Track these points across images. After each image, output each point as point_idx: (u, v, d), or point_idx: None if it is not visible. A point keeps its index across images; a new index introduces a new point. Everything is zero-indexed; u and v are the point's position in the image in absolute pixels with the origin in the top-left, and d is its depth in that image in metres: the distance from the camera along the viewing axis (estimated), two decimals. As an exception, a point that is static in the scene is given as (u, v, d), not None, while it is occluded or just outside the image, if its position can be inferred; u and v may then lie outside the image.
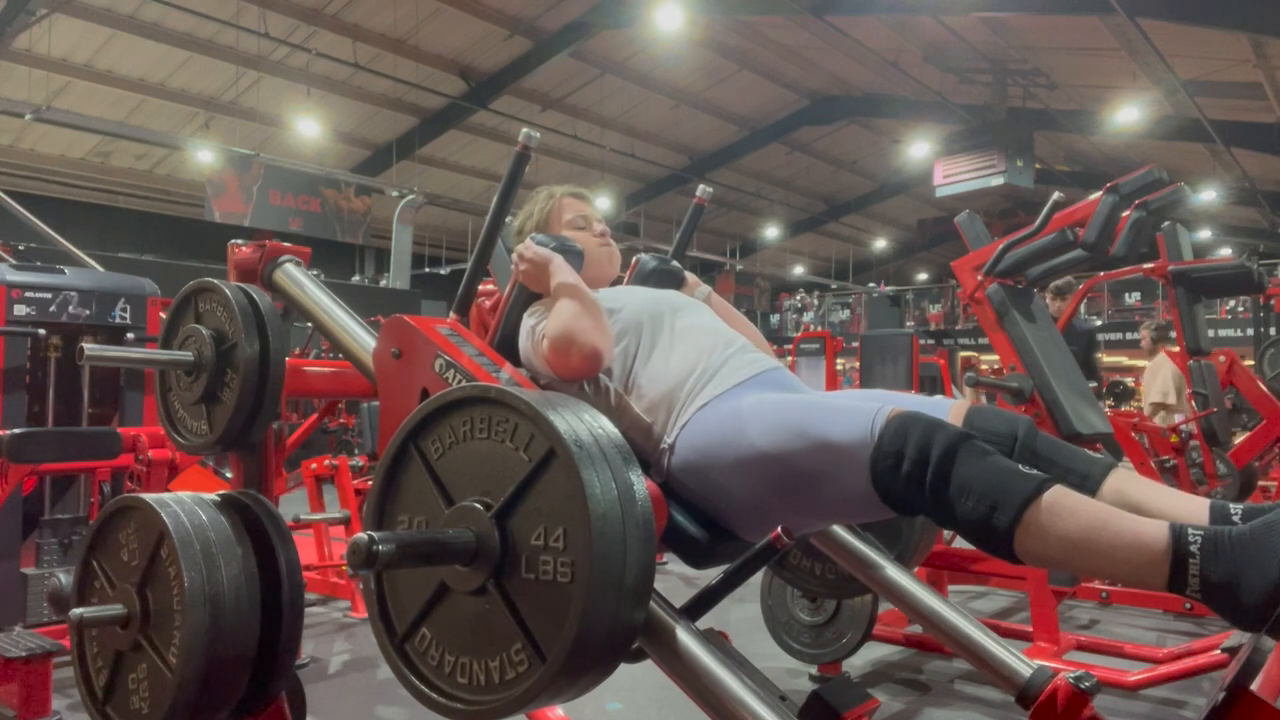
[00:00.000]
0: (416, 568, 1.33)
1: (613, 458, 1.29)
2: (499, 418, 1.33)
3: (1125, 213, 3.56)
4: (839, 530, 1.96)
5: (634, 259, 2.02)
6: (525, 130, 1.74)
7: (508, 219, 1.89)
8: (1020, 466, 1.26)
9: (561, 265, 1.68)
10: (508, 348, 1.75)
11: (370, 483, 5.20)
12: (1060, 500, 1.21)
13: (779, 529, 1.45)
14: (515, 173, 1.75)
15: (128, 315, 3.63)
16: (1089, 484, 1.40)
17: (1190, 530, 1.14)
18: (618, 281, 1.97)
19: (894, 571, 1.91)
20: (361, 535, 1.19)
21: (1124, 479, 1.41)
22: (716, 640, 1.42)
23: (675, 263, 2.04)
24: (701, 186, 2.26)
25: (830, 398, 1.50)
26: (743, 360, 1.62)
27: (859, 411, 1.36)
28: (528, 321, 1.70)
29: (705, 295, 1.95)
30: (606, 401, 1.61)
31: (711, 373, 1.58)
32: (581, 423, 1.31)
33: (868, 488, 1.32)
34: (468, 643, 1.31)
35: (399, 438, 1.43)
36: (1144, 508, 1.33)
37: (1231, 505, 1.28)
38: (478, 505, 1.31)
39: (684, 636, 1.36)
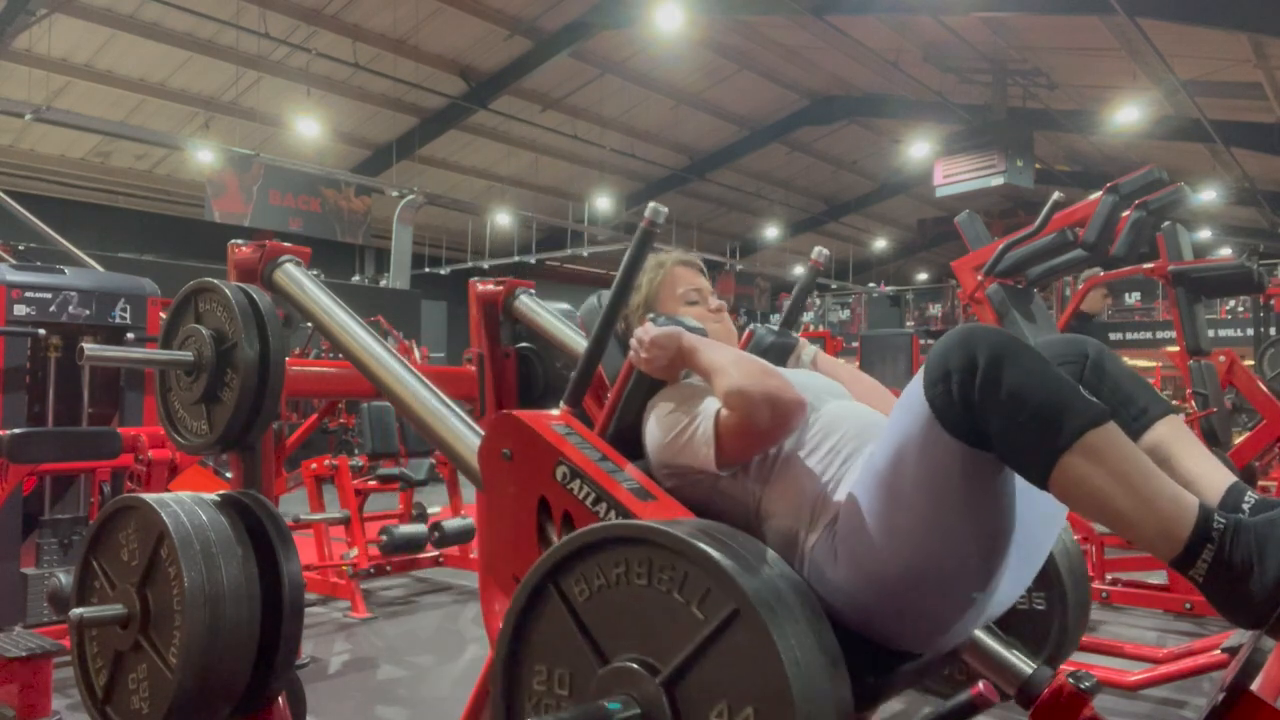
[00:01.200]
0: None
1: (801, 614, 1.10)
2: (663, 562, 1.13)
3: (1125, 213, 3.57)
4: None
5: (748, 330, 1.85)
6: (652, 205, 1.55)
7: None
8: (1081, 389, 1.17)
9: (700, 339, 1.49)
10: (620, 442, 1.56)
11: (370, 483, 5.17)
12: (1116, 438, 1.14)
13: (981, 685, 1.28)
14: (640, 251, 1.55)
15: (128, 315, 3.63)
16: (1143, 420, 1.39)
17: (1216, 516, 1.12)
18: None
19: None
20: None
21: (1173, 428, 1.39)
22: None
23: (793, 334, 1.86)
24: (817, 249, 2.03)
25: None
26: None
27: (913, 385, 1.25)
28: (666, 413, 1.50)
29: (812, 356, 1.80)
30: (745, 507, 1.43)
31: (850, 465, 1.39)
32: (764, 571, 1.13)
33: (946, 438, 1.18)
34: None
35: (536, 574, 1.24)
36: (1175, 464, 1.33)
37: (1248, 494, 1.27)
38: (639, 668, 1.12)
39: None
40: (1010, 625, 1.84)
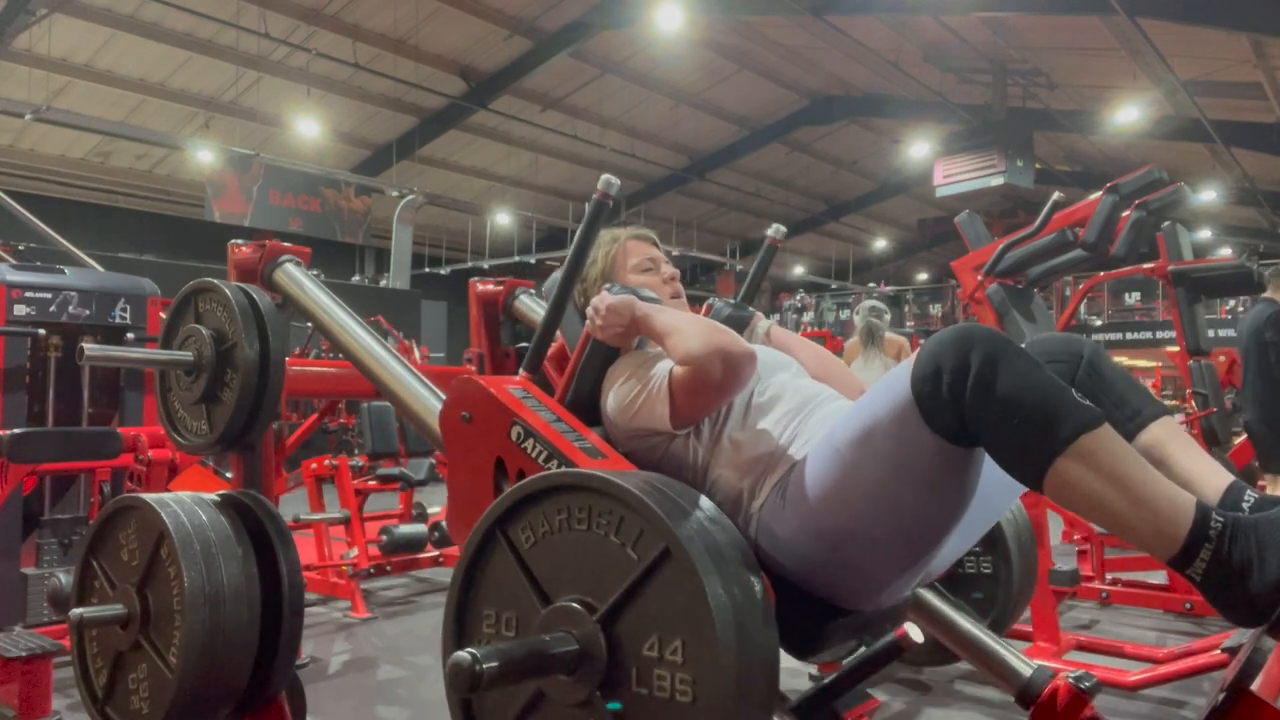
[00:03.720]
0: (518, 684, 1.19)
1: (731, 556, 1.16)
2: (601, 508, 1.20)
3: (1125, 213, 3.57)
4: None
5: (706, 304, 1.92)
6: (605, 177, 1.60)
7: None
8: (1074, 392, 1.17)
9: (652, 306, 1.56)
10: (579, 409, 1.61)
11: (370, 483, 5.17)
12: (1110, 441, 1.13)
13: (904, 628, 1.34)
14: (594, 221, 1.61)
15: (128, 315, 3.63)
16: (1138, 420, 1.39)
17: (1214, 515, 1.12)
18: None
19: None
20: (463, 654, 1.07)
21: (1168, 429, 1.40)
22: None
23: (750, 307, 1.92)
24: (775, 226, 2.12)
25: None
26: (828, 411, 1.48)
27: (899, 371, 1.27)
28: (623, 379, 1.54)
29: (766, 329, 1.85)
30: (694, 470, 1.48)
31: (796, 432, 1.44)
32: (696, 515, 1.19)
33: (924, 430, 1.19)
34: None
35: (485, 523, 1.29)
36: (1171, 464, 1.33)
37: (1247, 492, 1.27)
38: (579, 607, 1.18)
39: None
40: (959, 587, 1.98)
